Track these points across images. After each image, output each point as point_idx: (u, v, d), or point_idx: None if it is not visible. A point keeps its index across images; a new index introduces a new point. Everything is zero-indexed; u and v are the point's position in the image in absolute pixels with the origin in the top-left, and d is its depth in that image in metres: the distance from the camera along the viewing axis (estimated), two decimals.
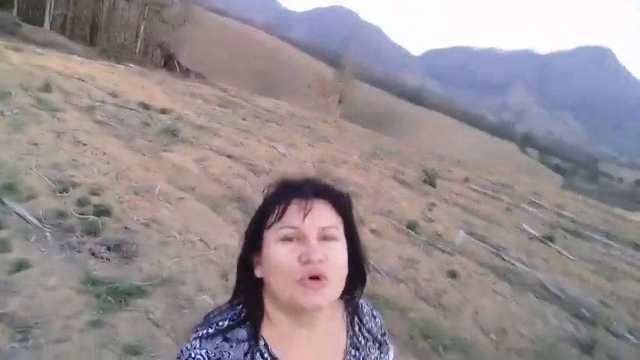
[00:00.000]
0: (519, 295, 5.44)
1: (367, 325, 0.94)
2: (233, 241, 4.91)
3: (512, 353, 4.05)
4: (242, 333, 0.79)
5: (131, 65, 22.79)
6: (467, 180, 14.53)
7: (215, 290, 3.75)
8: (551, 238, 8.75)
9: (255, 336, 0.79)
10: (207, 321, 0.82)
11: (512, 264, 6.61)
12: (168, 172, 6.96)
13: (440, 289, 4.95)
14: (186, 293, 3.56)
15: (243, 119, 15.67)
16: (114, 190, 5.37)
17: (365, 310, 0.95)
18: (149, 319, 3.08)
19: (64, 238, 3.96)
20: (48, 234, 3.94)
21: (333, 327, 0.87)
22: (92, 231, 4.19)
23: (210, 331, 0.79)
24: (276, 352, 0.80)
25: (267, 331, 0.81)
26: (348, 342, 0.89)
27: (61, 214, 4.36)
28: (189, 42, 30.25)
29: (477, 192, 12.54)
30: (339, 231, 0.81)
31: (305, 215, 0.78)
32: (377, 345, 0.95)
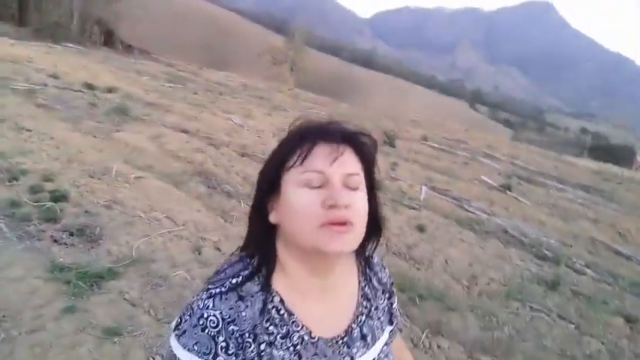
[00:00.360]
0: (484, 241, 5.67)
1: (378, 275, 0.93)
2: (200, 216, 4.82)
3: (483, 296, 4.24)
4: (254, 287, 0.75)
5: (69, 45, 21.39)
6: (424, 138, 14.78)
7: (189, 265, 3.69)
8: (508, 187, 9.11)
9: (268, 289, 0.75)
10: (218, 277, 0.77)
11: (475, 213, 6.86)
12: (123, 152, 6.68)
13: (410, 243, 5.07)
14: (159, 271, 3.47)
15: (195, 93, 15.16)
16: (67, 175, 5.12)
17: (375, 261, 0.93)
18: (125, 299, 3.00)
19: (21, 228, 3.75)
20: (2, 225, 3.72)
21: (345, 277, 0.85)
22: (51, 218, 3.98)
23: (223, 289, 0.74)
24: (289, 303, 0.76)
25: (279, 282, 0.77)
26: (360, 293, 0.87)
27: (14, 204, 4.12)
28: (129, 17, 28.54)
29: (435, 149, 12.82)
30: (361, 179, 0.77)
31: (334, 160, 0.73)
32: (387, 295, 0.95)
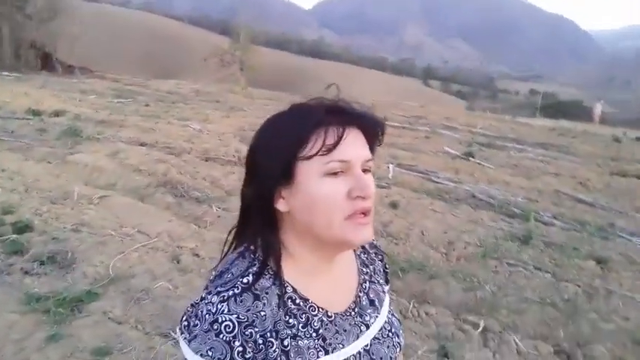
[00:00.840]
0: (455, 209, 5.83)
1: None
2: (173, 226, 4.74)
3: (462, 260, 4.38)
4: (266, 282, 0.72)
5: (4, 73, 20.42)
6: (384, 119, 14.98)
7: (169, 275, 3.64)
8: (470, 154, 9.36)
9: (280, 281, 0.73)
10: (226, 278, 0.72)
11: (443, 183, 7.03)
12: (81, 174, 6.48)
13: (386, 221, 5.16)
14: (140, 285, 3.41)
15: (147, 105, 14.76)
16: (28, 205, 4.92)
17: None
18: (109, 318, 2.93)
19: None
20: None
21: (346, 253, 0.85)
22: (17, 250, 3.83)
23: (237, 290, 0.69)
24: (300, 290, 0.75)
25: (287, 270, 0.75)
26: (358, 262, 0.89)
27: None
28: (64, 36, 27.36)
29: (396, 127, 12.97)
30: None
31: (359, 147, 0.72)
32: (380, 257, 0.97)
